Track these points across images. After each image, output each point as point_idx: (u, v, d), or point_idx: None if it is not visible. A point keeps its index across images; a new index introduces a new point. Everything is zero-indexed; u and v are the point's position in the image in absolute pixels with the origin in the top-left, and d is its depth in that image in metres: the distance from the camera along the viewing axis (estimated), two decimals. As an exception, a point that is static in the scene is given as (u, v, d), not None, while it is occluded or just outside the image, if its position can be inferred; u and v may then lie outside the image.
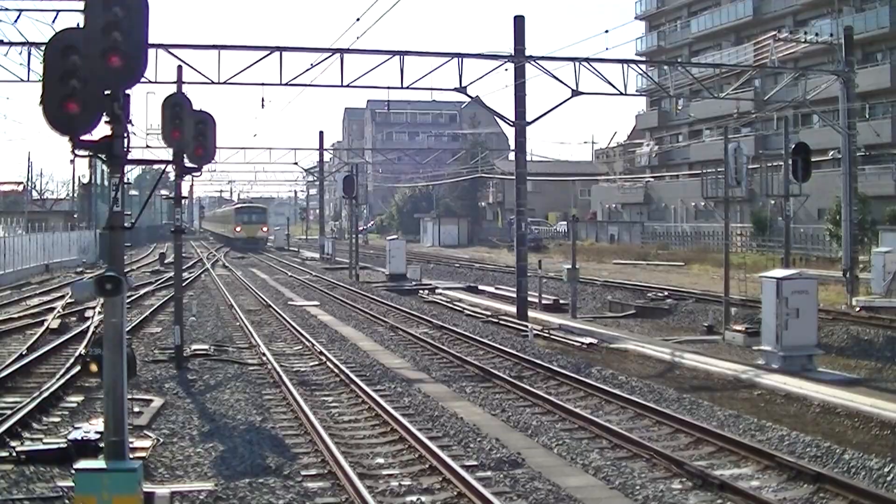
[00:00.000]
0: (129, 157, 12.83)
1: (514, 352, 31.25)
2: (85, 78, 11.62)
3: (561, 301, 48.52)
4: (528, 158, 49.31)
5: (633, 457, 18.45)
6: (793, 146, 39.66)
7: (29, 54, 38.56)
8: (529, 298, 44.12)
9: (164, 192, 70.99)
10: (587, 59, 42.58)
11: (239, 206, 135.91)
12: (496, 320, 41.55)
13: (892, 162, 78.14)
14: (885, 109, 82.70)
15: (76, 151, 12.42)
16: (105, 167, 13.02)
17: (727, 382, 27.90)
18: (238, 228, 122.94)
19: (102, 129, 12.17)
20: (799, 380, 26.73)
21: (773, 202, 54.79)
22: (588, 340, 35.05)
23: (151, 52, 35.05)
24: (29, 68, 38.48)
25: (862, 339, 35.23)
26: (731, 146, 37.76)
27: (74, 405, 22.60)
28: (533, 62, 42.46)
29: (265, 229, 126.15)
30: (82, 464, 12.94)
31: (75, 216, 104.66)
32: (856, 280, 44.75)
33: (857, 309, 40.89)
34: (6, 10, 39.29)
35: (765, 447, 18.66)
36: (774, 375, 27.55)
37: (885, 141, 76.78)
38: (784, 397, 25.48)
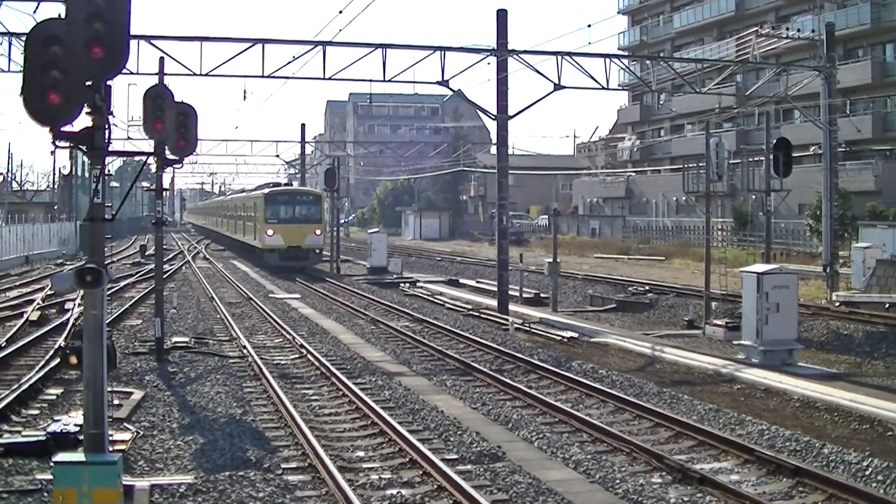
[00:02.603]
0: (111, 148, 12.76)
1: (494, 345, 31.29)
2: (66, 69, 11.55)
3: (542, 295, 48.59)
4: (510, 152, 49.43)
5: (613, 451, 18.49)
6: (774, 141, 39.72)
7: (10, 45, 38.40)
8: (510, 292, 44.16)
9: (145, 183, 71.01)
10: (570, 54, 42.56)
11: (273, 190, 73.57)
12: (477, 314, 41.56)
13: (873, 158, 78.37)
14: (866, 105, 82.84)
15: (57, 143, 12.35)
16: (86, 158, 12.98)
17: (707, 377, 27.96)
18: (270, 232, 66.77)
19: (83, 121, 12.12)
20: (779, 374, 26.81)
21: (754, 197, 54.72)
22: (569, 334, 35.08)
23: (133, 43, 34.73)
24: (10, 59, 38.33)
25: (842, 334, 35.34)
26: (713, 141, 37.85)
27: (54, 397, 22.54)
28: (515, 56, 42.44)
29: (318, 232, 68.70)
30: (61, 456, 12.88)
31: (56, 207, 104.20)
32: (836, 275, 44.89)
33: (837, 304, 41.00)
34: (-13, 0, 39.08)
35: (745, 441, 18.74)
36: (754, 370, 27.63)
37: (865, 137, 77.01)
38: (764, 392, 25.55)
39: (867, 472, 16.92)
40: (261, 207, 68.99)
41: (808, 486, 16.12)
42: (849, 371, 29.75)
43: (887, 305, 39.10)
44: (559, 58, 42.21)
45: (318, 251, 68.72)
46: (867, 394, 24.26)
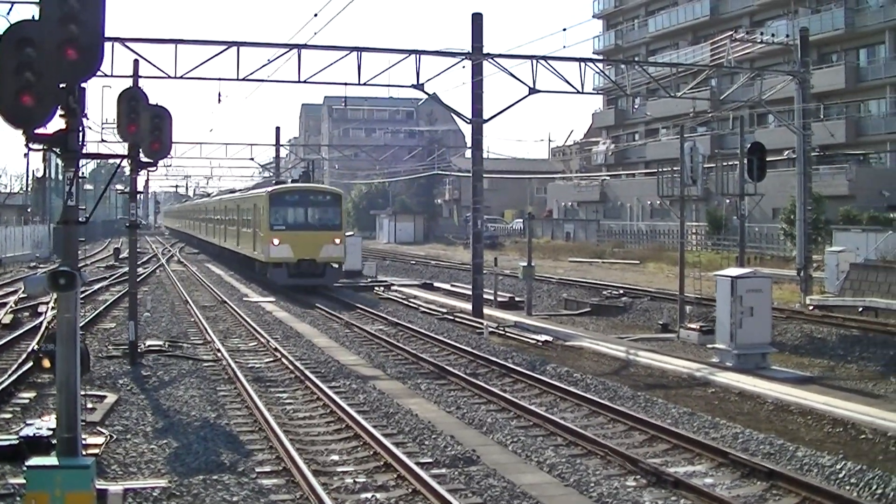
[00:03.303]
0: (85, 151, 12.73)
1: (469, 349, 31.30)
2: (40, 71, 11.50)
3: (516, 298, 48.61)
4: (485, 156, 49.46)
5: (587, 454, 18.53)
6: (748, 146, 39.90)
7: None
8: (485, 296, 44.17)
9: (119, 186, 70.60)
10: (545, 58, 42.61)
11: (279, 188, 58.96)
12: (452, 317, 41.56)
13: (846, 162, 78.74)
14: (840, 110, 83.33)
15: (30, 145, 12.31)
16: (60, 161, 12.94)
17: (682, 380, 28.03)
18: (276, 241, 53.39)
19: (57, 123, 12.07)
20: (753, 378, 26.91)
21: (728, 201, 54.98)
22: (543, 338, 35.11)
23: (108, 45, 34.76)
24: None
25: (815, 337, 35.47)
26: (687, 145, 37.95)
27: (26, 401, 22.43)
28: (490, 60, 42.47)
29: (339, 242, 54.38)
30: (34, 461, 12.83)
31: (29, 210, 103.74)
32: (810, 279, 45.04)
33: (811, 308, 41.18)
34: (-40, 1, 38.88)
35: (719, 445, 18.80)
36: (729, 373, 27.71)
37: (839, 141, 77.38)
38: (738, 395, 25.63)
39: (841, 475, 16.99)
40: (264, 210, 54.14)
41: (782, 489, 16.20)
42: (822, 374, 29.86)
43: (860, 309, 39.30)
44: (534, 61, 42.27)
45: (337, 266, 54.00)
46: (841, 397, 24.38)
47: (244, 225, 62.96)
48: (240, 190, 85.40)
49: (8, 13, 36.11)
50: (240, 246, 65.12)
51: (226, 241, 74.44)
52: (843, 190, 73.58)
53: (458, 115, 46.53)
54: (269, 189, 57.76)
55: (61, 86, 11.82)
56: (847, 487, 16.46)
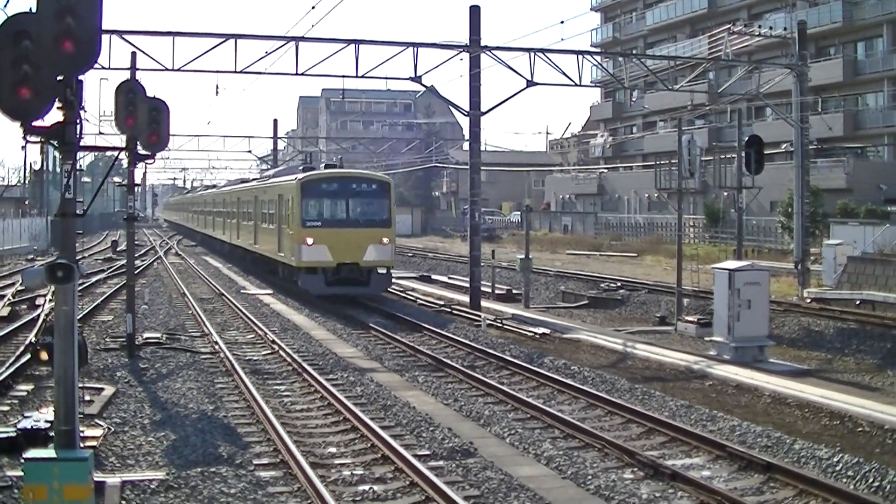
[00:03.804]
0: (82, 143, 12.74)
1: (466, 341, 31.32)
2: (37, 63, 11.51)
3: (514, 291, 48.59)
4: (483, 148, 49.28)
5: (585, 447, 18.54)
6: (746, 139, 39.86)
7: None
8: (483, 288, 44.11)
9: (116, 179, 70.46)
10: (542, 50, 42.55)
11: (314, 175, 47.22)
12: (449, 310, 41.55)
13: (844, 155, 78.78)
14: (838, 103, 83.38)
15: (28, 137, 12.32)
16: (57, 154, 12.93)
17: (679, 373, 28.03)
18: (310, 241, 43.44)
19: (55, 115, 12.08)
20: (750, 370, 26.91)
21: (726, 194, 55.08)
22: (541, 330, 35.10)
23: (105, 37, 34.66)
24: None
25: (813, 330, 35.48)
26: (685, 138, 37.90)
27: (24, 394, 22.39)
28: (488, 52, 42.41)
29: (387, 241, 44.51)
30: (32, 453, 12.84)
31: (26, 203, 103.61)
32: (807, 272, 45.02)
33: (809, 301, 41.18)
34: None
35: (716, 437, 18.82)
36: (726, 366, 27.72)
37: (837, 134, 77.37)
38: (735, 388, 25.63)
39: (838, 468, 17.00)
40: (294, 202, 44.62)
41: (780, 481, 16.21)
42: (820, 367, 29.88)
43: (858, 302, 39.32)
44: (532, 54, 42.21)
45: (385, 271, 44.16)
46: (838, 390, 24.39)
47: (264, 220, 53.66)
48: (255, 179, 73.34)
49: (5, 6, 35.96)
50: (258, 245, 56.05)
51: (238, 238, 64.70)
52: (841, 183, 73.64)
53: (456, 107, 46.45)
54: (301, 176, 45.78)
55: (58, 78, 11.82)
56: (844, 480, 16.47)
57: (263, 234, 54.05)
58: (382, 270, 43.65)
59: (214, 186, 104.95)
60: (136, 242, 38.82)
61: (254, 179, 73.81)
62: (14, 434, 17.31)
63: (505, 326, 36.65)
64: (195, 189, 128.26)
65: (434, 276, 60.30)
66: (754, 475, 16.65)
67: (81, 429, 15.14)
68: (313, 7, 42.20)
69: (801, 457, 17.75)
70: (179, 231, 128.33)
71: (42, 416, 17.98)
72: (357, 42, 40.80)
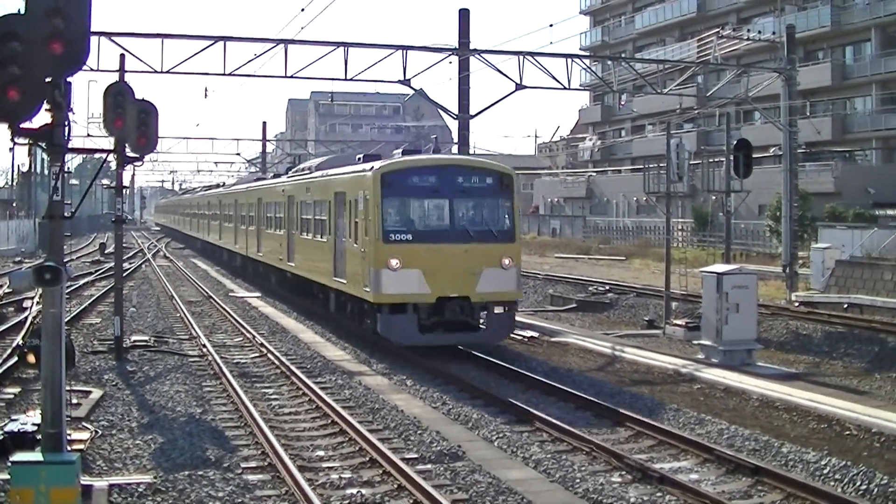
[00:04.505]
0: (70, 145, 12.72)
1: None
2: (26, 65, 11.49)
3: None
4: (472, 151, 49.39)
5: (573, 450, 18.55)
6: (734, 142, 39.89)
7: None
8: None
9: (105, 181, 70.34)
10: (531, 53, 42.61)
11: (400, 162, 31.20)
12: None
13: (832, 159, 78.96)
14: (826, 107, 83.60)
15: (16, 139, 12.31)
16: (45, 155, 12.92)
17: (667, 376, 28.03)
18: (395, 262, 28.52)
19: (43, 117, 12.07)
20: (738, 374, 26.91)
21: (714, 198, 55.12)
22: (529, 334, 35.06)
23: (94, 39, 34.67)
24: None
25: (801, 334, 35.51)
26: (674, 142, 37.91)
27: (11, 397, 22.34)
28: (477, 55, 42.46)
29: (509, 262, 29.49)
30: (19, 456, 12.84)
31: (14, 205, 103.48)
32: (795, 275, 45.06)
33: (797, 304, 41.25)
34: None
35: (704, 441, 18.85)
36: (714, 370, 27.73)
37: (825, 139, 77.48)
38: (723, 391, 25.64)
39: (825, 471, 17.05)
40: (369, 203, 29.95)
41: (767, 484, 16.24)
42: (807, 371, 29.88)
43: (846, 306, 39.40)
44: (521, 57, 42.26)
45: (506, 309, 30.32)
46: (825, 393, 24.41)
47: (306, 229, 39.15)
48: (285, 174, 51.75)
49: (-7, 7, 35.98)
50: (293, 262, 41.79)
51: (261, 252, 51.03)
52: (829, 187, 73.77)
53: (445, 110, 46.49)
54: (380, 165, 30.72)
55: (47, 80, 11.80)
56: (832, 483, 16.51)
57: (306, 251, 39.38)
58: (500, 309, 29.85)
59: (219, 186, 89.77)
60: (125, 245, 38.75)
61: (273, 177, 58.38)
62: (1, 437, 17.27)
63: (493, 329, 36.57)
64: (193, 190, 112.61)
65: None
66: (742, 478, 16.67)
67: (69, 432, 15.12)
68: (302, 9, 42.16)
69: (790, 460, 17.80)
70: (174, 237, 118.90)
71: (29, 419, 17.94)
72: (346, 45, 40.84)
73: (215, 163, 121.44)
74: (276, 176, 57.63)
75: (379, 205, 28.99)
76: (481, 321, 29.97)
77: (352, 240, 31.39)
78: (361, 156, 36.13)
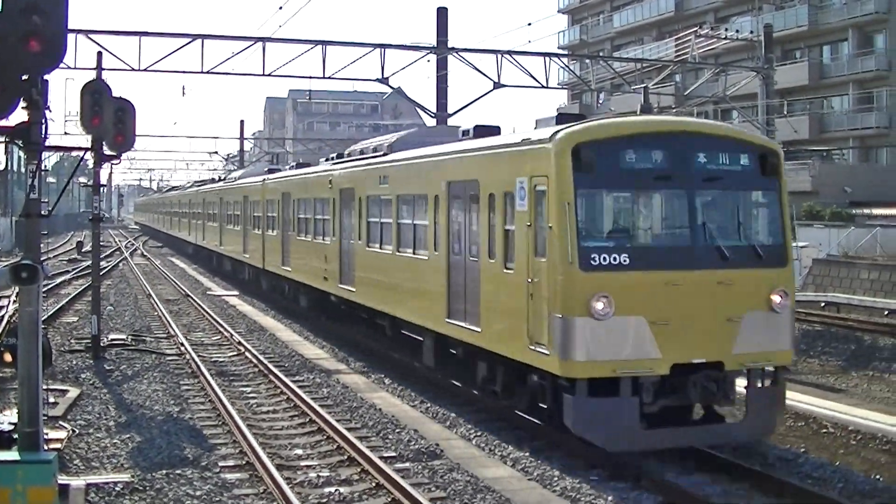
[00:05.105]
0: (47, 143, 12.69)
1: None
2: (2, 62, 11.45)
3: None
4: (450, 150, 49.21)
5: (550, 448, 18.52)
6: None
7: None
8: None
9: (82, 179, 70.04)
10: (510, 52, 42.65)
11: (596, 129, 17.57)
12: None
13: (810, 158, 79.16)
14: (804, 106, 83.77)
15: (-8, 137, 12.25)
16: (22, 153, 12.87)
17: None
18: (601, 305, 16.25)
19: (19, 115, 12.02)
20: (716, 373, 26.94)
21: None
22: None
23: (71, 37, 34.58)
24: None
25: (777, 332, 35.56)
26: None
27: (-12, 395, 22.29)
28: (455, 54, 42.50)
29: (782, 299, 17.62)
30: (-5, 455, 12.77)
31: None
32: (772, 274, 45.14)
33: (774, 303, 41.32)
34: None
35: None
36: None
37: (802, 137, 77.70)
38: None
39: (803, 469, 17.12)
40: (551, 197, 16.94)
41: (745, 481, 16.28)
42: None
43: (823, 304, 39.48)
44: (499, 56, 42.30)
45: (774, 379, 18.16)
46: (803, 391, 24.53)
47: (379, 239, 27.22)
48: (351, 156, 33.45)
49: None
50: (356, 288, 29.37)
51: (287, 265, 38.67)
52: (807, 186, 73.89)
53: (423, 109, 46.50)
54: (567, 132, 17.38)
55: (24, 78, 11.76)
56: (809, 481, 16.57)
57: (375, 269, 27.70)
58: (766, 381, 18.30)
59: (216, 180, 72.60)
60: (102, 243, 38.64)
61: (296, 167, 41.66)
62: (-23, 436, 17.22)
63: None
64: (182, 187, 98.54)
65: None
66: (720, 475, 16.72)
67: (46, 431, 15.08)
68: (280, 7, 42.32)
69: (767, 458, 17.86)
70: (157, 238, 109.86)
71: (6, 418, 17.84)
72: (324, 43, 40.83)
73: (185, 167, 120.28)
74: (277, 170, 47.78)
75: (572, 202, 16.69)
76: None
77: (498, 260, 19.21)
78: (471, 129, 23.20)
